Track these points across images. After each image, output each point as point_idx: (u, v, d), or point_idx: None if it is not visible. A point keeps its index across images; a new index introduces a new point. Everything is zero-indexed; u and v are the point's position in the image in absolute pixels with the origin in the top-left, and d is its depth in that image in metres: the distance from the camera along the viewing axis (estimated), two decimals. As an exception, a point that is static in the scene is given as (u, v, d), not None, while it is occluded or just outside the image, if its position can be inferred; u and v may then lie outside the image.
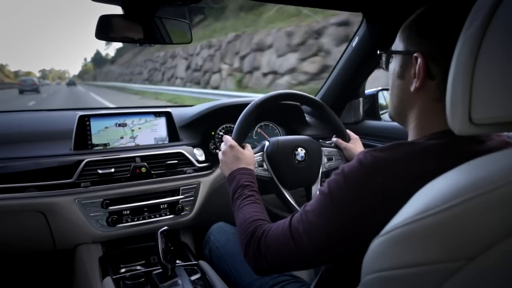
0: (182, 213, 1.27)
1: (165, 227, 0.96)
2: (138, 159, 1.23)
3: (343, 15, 7.52)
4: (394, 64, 0.66)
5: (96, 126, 1.24)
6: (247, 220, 0.75)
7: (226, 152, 0.98)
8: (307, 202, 0.65)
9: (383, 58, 0.70)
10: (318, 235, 0.59)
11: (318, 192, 0.62)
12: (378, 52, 0.71)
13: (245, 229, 0.73)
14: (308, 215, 0.61)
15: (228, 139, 1.01)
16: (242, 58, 11.59)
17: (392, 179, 0.52)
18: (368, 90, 1.65)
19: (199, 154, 1.36)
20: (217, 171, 1.37)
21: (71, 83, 46.41)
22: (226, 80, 12.56)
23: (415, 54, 0.58)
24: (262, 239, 0.68)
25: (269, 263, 0.66)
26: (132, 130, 1.30)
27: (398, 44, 0.64)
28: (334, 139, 1.18)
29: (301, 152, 1.12)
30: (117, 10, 0.97)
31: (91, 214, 1.15)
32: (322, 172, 1.13)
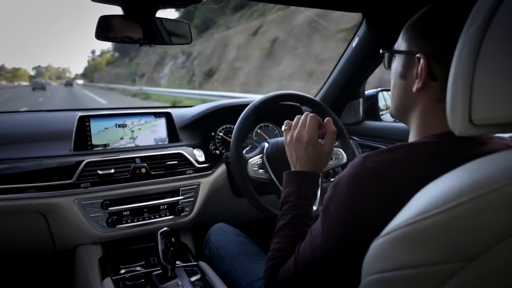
0: (182, 214, 1.27)
1: (165, 228, 0.96)
2: (138, 160, 1.23)
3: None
4: (397, 63, 0.65)
5: (96, 126, 1.24)
6: (273, 256, 0.73)
7: (300, 142, 0.84)
8: (312, 226, 0.64)
9: (385, 58, 0.70)
10: (326, 254, 0.58)
11: (319, 213, 0.61)
12: (380, 51, 0.70)
13: (267, 266, 0.73)
14: (317, 240, 0.60)
15: (312, 125, 0.85)
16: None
17: (393, 183, 0.51)
18: (368, 91, 1.65)
19: (199, 155, 1.36)
20: (217, 172, 1.37)
21: (68, 83, 47.59)
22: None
23: (417, 55, 0.58)
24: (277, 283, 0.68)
25: None
26: (132, 131, 1.30)
27: (400, 44, 0.64)
28: None
29: None
30: (117, 10, 0.97)
31: (91, 215, 1.15)
32: (322, 172, 1.13)
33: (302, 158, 0.84)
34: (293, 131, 0.87)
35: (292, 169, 0.86)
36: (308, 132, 0.85)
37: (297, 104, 1.51)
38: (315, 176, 0.83)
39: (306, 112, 0.90)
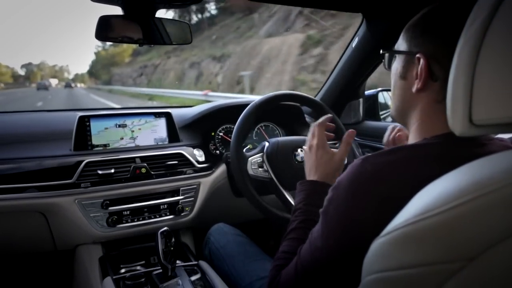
0: (182, 214, 1.27)
1: (166, 228, 0.96)
2: (138, 160, 1.23)
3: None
4: (397, 64, 0.65)
5: (96, 127, 1.24)
6: (279, 257, 0.73)
7: (311, 149, 0.89)
8: (313, 229, 0.63)
9: (386, 58, 0.69)
10: (326, 256, 0.57)
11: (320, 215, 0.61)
12: (381, 51, 0.70)
13: (272, 266, 0.73)
14: (317, 242, 0.59)
15: (319, 131, 0.90)
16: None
17: (392, 185, 0.51)
18: (368, 91, 1.65)
19: (199, 155, 1.36)
20: (217, 172, 1.37)
21: (67, 85, 48.39)
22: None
23: (417, 55, 0.58)
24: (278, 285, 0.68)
25: None
26: (132, 131, 1.30)
27: (401, 44, 0.64)
28: None
29: (301, 153, 1.12)
30: (117, 10, 0.97)
31: (91, 215, 1.15)
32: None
33: (314, 164, 0.87)
34: (307, 144, 0.92)
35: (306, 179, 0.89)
36: (317, 138, 0.89)
37: (297, 104, 1.51)
38: (325, 185, 0.84)
39: (312, 123, 0.94)
